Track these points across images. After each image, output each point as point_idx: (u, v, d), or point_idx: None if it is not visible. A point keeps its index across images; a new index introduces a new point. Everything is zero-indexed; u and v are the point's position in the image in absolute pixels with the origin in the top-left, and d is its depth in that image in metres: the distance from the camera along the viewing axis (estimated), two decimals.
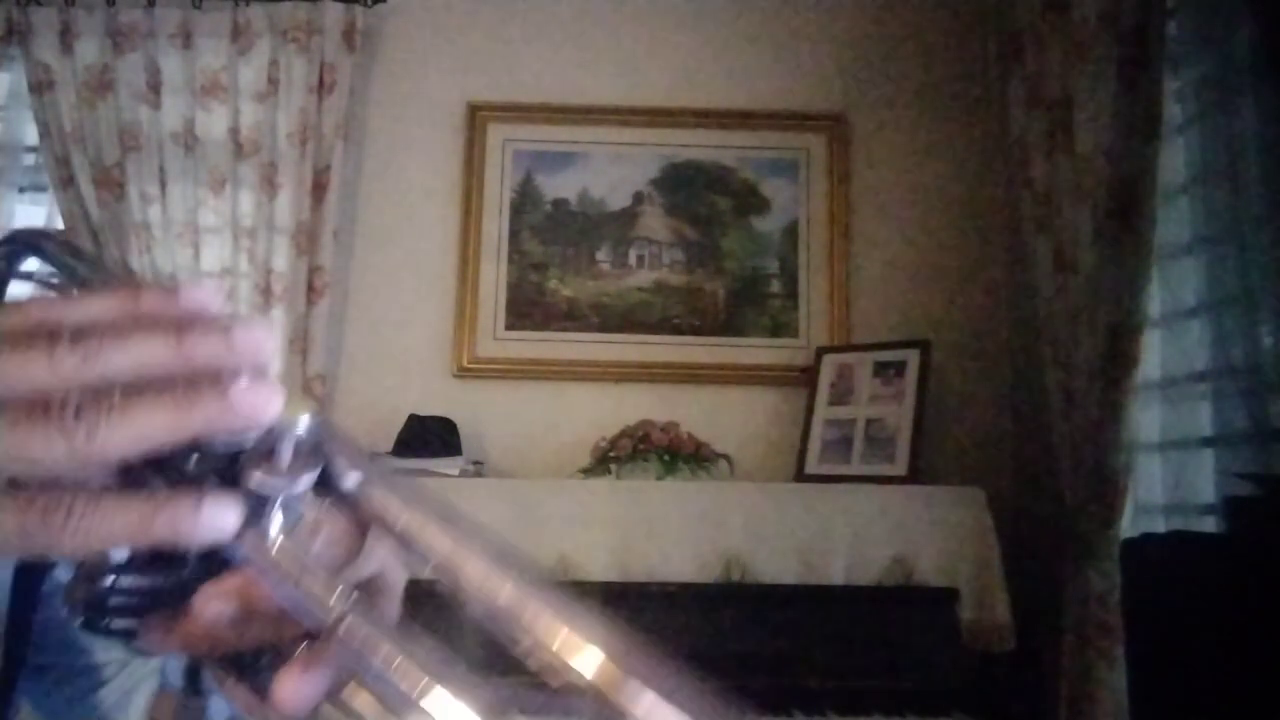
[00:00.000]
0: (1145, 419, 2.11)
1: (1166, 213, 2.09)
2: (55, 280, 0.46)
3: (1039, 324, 2.26)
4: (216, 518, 0.31)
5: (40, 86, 2.65)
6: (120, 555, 0.35)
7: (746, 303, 2.72)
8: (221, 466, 0.32)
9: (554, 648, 0.26)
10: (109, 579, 0.34)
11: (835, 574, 2.08)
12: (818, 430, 2.51)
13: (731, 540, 2.10)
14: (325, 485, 0.33)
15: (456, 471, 2.36)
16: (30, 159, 2.78)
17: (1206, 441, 2.04)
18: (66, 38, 2.66)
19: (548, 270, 2.74)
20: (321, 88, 2.67)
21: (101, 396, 0.30)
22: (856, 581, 2.07)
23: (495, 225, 2.74)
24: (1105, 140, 2.04)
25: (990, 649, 2.03)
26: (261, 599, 0.32)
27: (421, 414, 2.49)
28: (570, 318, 2.71)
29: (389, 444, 2.42)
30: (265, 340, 0.33)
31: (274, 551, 0.31)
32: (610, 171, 2.77)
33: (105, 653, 0.68)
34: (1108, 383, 2.01)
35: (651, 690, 0.25)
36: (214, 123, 2.70)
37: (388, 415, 2.49)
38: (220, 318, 0.33)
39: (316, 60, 2.67)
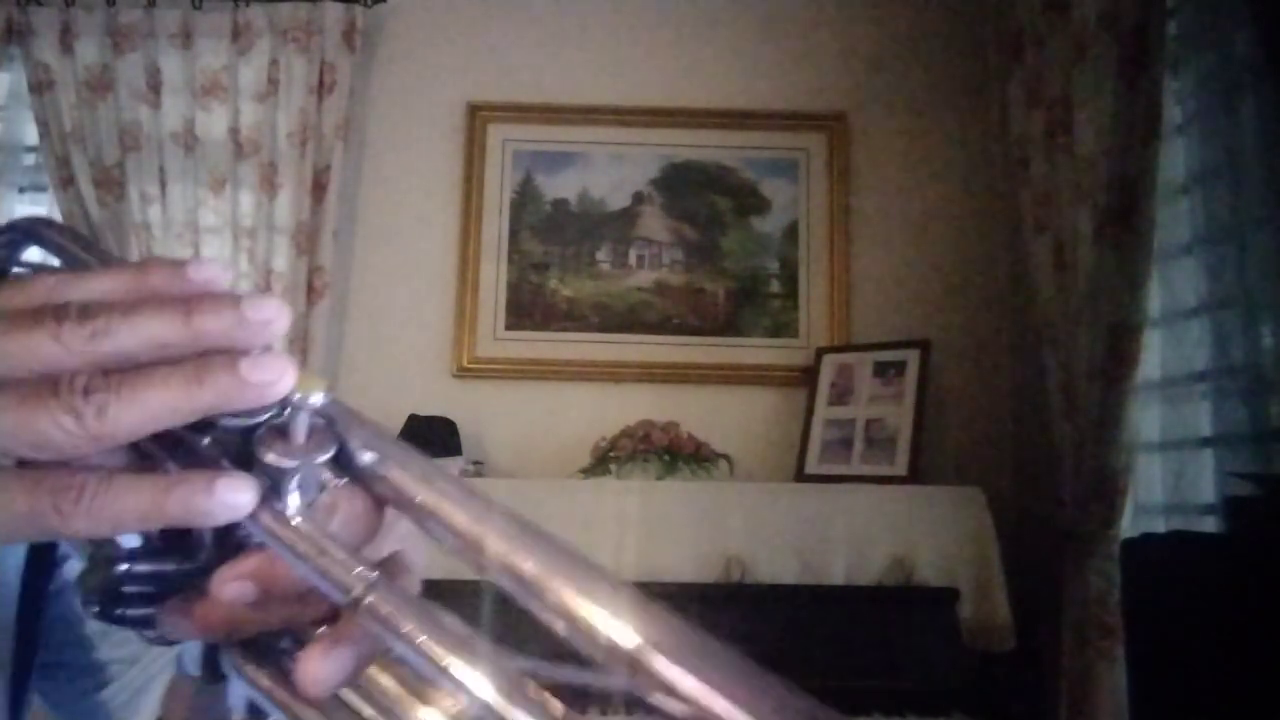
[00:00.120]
0: (1145, 419, 2.11)
1: (1166, 213, 2.08)
2: (57, 269, 0.45)
3: (1039, 324, 2.26)
4: (231, 495, 0.30)
5: (40, 86, 2.65)
6: (133, 541, 0.34)
7: (746, 303, 2.72)
8: (235, 445, 0.31)
9: (583, 620, 0.26)
10: (123, 566, 0.33)
11: (835, 574, 2.08)
12: (818, 430, 2.51)
13: (731, 540, 2.10)
14: (340, 463, 0.32)
15: (456, 472, 2.34)
16: (30, 159, 2.77)
17: (1206, 441, 2.03)
18: (66, 38, 2.66)
19: (548, 270, 2.73)
20: (321, 88, 2.67)
21: (111, 374, 0.30)
22: (856, 581, 2.07)
23: (495, 225, 2.74)
24: (1105, 140, 2.04)
25: (990, 649, 2.03)
26: (280, 580, 0.31)
27: (421, 414, 2.49)
28: (570, 318, 2.71)
29: None
30: (276, 315, 0.32)
31: (292, 528, 0.31)
32: (610, 171, 2.77)
33: (116, 650, 0.67)
34: (1108, 383, 2.01)
35: (680, 664, 0.25)
36: (214, 123, 2.70)
37: (388, 415, 2.48)
38: (230, 293, 0.32)
39: (316, 60, 2.67)
